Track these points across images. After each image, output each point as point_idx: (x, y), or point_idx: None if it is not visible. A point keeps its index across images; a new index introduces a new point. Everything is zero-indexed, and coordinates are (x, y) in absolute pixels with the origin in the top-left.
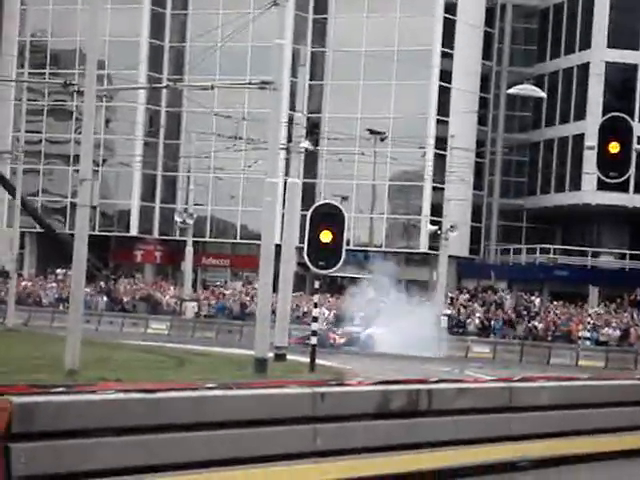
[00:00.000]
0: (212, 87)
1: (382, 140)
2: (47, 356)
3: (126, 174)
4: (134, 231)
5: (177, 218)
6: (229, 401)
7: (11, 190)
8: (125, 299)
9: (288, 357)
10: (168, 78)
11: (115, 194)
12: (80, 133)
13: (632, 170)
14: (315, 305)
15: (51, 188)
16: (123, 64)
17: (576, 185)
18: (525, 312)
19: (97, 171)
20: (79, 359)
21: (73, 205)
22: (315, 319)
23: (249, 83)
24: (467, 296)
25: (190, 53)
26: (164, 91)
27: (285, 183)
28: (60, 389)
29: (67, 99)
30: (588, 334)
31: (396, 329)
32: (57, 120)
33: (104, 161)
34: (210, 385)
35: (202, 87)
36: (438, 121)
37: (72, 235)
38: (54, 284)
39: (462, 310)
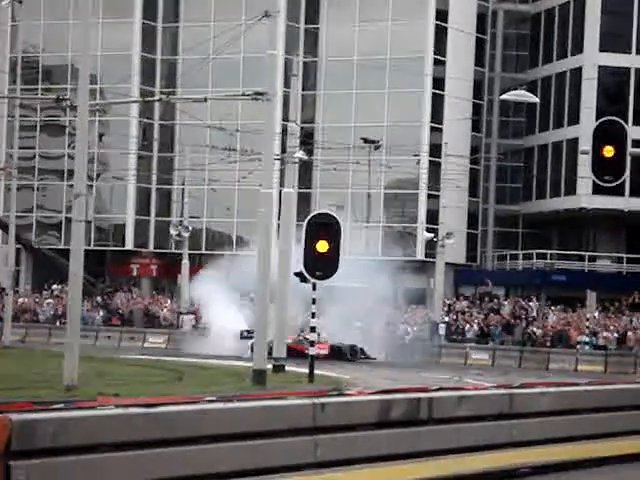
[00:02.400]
0: (205, 99)
1: (376, 149)
2: (45, 372)
3: (120, 188)
4: (129, 245)
5: (172, 231)
6: (230, 414)
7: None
8: (122, 311)
9: (286, 368)
10: (161, 91)
11: (110, 208)
12: (74, 148)
13: (627, 173)
14: (313, 315)
15: (46, 204)
16: (115, 78)
17: (571, 190)
18: (524, 317)
19: (91, 186)
20: (77, 375)
21: (68, 220)
22: (313, 329)
23: (242, 94)
24: (465, 303)
25: (182, 65)
26: (157, 104)
27: (280, 193)
28: (60, 405)
29: (60, 114)
30: (587, 339)
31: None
32: (50, 135)
33: (98, 175)
34: (210, 398)
35: (195, 99)
36: (432, 128)
37: (58, 251)
38: (50, 300)
39: (460, 317)
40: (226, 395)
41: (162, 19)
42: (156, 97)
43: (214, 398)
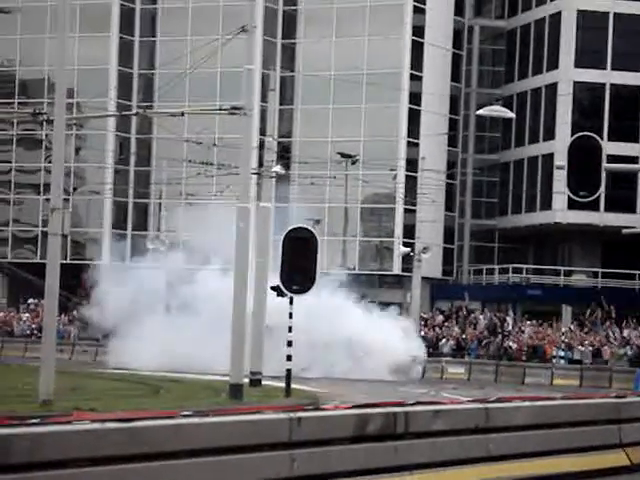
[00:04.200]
0: (182, 113)
1: (353, 163)
2: (21, 387)
3: (97, 202)
4: (106, 259)
5: (149, 245)
6: (206, 428)
7: None
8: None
9: (263, 382)
10: (138, 105)
11: (86, 222)
12: (50, 162)
13: (602, 189)
14: (289, 329)
15: (22, 217)
16: (92, 92)
17: (547, 204)
18: (499, 332)
19: (68, 200)
20: (53, 389)
21: (44, 234)
22: (290, 343)
23: (219, 109)
24: (441, 317)
25: (159, 80)
26: (134, 118)
27: (257, 208)
28: (36, 420)
29: (36, 128)
30: (562, 353)
31: None
32: (27, 149)
33: (75, 189)
34: (186, 412)
35: (172, 114)
36: (408, 143)
37: (34, 265)
38: (26, 314)
39: (437, 331)
40: (202, 409)
41: (139, 33)
42: (133, 111)
43: (190, 413)
